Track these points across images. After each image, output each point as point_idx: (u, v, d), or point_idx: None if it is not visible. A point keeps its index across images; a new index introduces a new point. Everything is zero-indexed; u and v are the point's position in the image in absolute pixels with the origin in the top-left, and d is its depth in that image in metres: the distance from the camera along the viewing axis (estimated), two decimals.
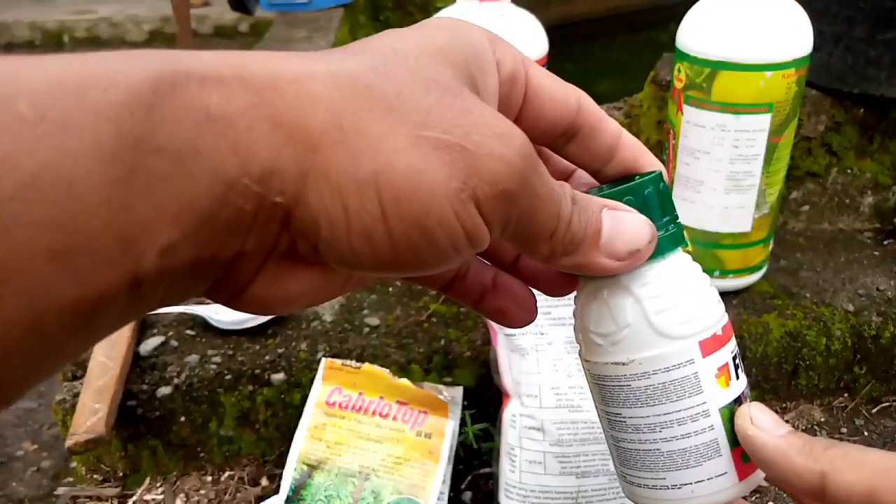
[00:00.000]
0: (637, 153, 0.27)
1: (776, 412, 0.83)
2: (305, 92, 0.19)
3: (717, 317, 0.25)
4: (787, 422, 0.80)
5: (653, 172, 0.25)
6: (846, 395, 0.82)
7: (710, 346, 0.24)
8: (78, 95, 0.15)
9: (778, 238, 0.90)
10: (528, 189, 0.21)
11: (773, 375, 0.79)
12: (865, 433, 0.79)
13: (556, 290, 0.28)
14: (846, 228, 0.95)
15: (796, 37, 0.68)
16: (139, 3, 3.20)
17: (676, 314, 0.24)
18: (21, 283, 0.14)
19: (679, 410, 0.24)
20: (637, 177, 0.26)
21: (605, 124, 0.26)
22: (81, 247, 0.15)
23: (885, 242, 0.92)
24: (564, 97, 0.25)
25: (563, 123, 0.25)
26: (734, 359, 0.25)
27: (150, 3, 3.17)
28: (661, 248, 0.25)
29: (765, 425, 0.25)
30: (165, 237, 0.16)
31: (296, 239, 0.20)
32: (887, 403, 0.82)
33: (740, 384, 0.26)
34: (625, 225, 0.24)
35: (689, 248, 0.24)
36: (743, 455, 0.25)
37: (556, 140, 0.26)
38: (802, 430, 0.78)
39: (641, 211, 0.24)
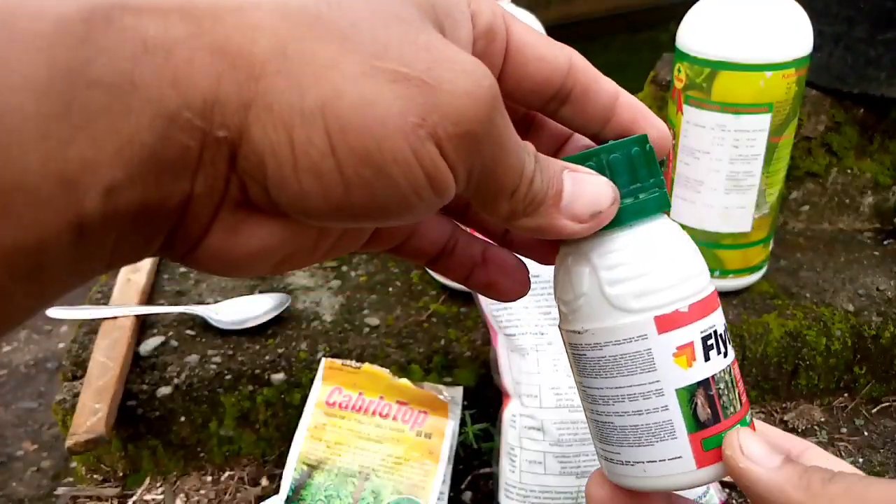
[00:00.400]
0: (635, 114, 0.25)
1: (776, 413, 0.83)
2: (248, 19, 0.17)
3: (685, 292, 0.23)
4: (786, 423, 0.80)
5: (632, 137, 0.24)
6: (846, 395, 0.82)
7: (668, 322, 0.23)
8: (4, 26, 0.14)
9: (778, 238, 0.90)
10: (494, 136, 0.19)
11: (773, 375, 0.79)
12: (865, 433, 0.79)
13: (546, 259, 0.27)
14: (846, 228, 0.95)
15: (796, 37, 0.68)
16: None
17: (632, 286, 0.23)
18: None
19: (631, 385, 0.23)
20: (611, 141, 0.24)
21: (601, 84, 0.25)
22: (18, 185, 0.14)
23: (885, 242, 0.92)
24: (553, 56, 0.23)
25: (552, 84, 0.24)
26: (707, 338, 0.23)
27: None
28: (624, 217, 0.24)
29: (757, 456, 0.23)
30: (108, 176, 0.15)
31: (246, 182, 0.18)
32: (887, 403, 0.82)
33: (712, 366, 0.23)
34: (586, 186, 0.23)
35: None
36: (704, 442, 0.23)
37: (548, 104, 0.24)
38: (803, 430, 0.78)
39: (604, 176, 0.23)
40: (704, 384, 0.23)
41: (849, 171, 0.94)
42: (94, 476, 0.73)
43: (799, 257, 0.88)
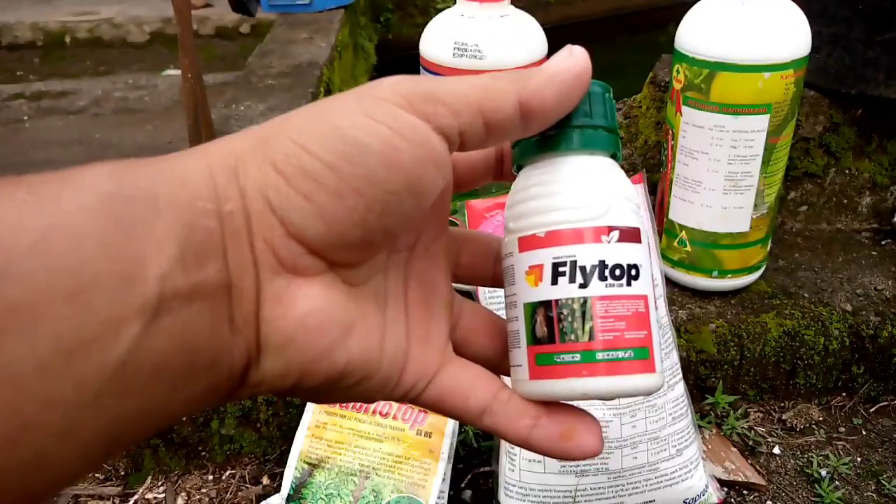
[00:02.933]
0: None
1: (774, 412, 0.83)
2: (224, 139, 0.23)
3: (547, 220, 0.25)
4: (784, 422, 0.80)
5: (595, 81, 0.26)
6: (844, 394, 0.83)
7: (526, 243, 0.26)
8: (61, 181, 0.19)
9: (776, 238, 0.90)
10: (420, 79, 0.23)
11: (771, 375, 0.80)
12: (864, 432, 0.79)
13: None
14: (844, 228, 0.96)
15: (794, 38, 0.68)
16: (141, 4, 3.21)
17: (514, 211, 0.27)
18: (48, 324, 0.17)
19: (508, 295, 0.27)
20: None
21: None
22: (91, 286, 0.18)
23: (883, 242, 0.92)
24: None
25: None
26: (558, 265, 0.25)
27: (152, 4, 3.18)
28: (533, 149, 0.26)
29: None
30: (157, 267, 0.19)
31: (267, 238, 0.21)
32: (885, 403, 0.82)
33: (558, 291, 0.25)
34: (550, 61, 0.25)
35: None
36: (537, 356, 0.25)
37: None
38: (801, 429, 0.78)
39: None
40: (546, 304, 0.25)
41: (847, 171, 0.94)
42: (96, 475, 0.74)
43: (797, 257, 0.89)
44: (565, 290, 0.25)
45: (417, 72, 0.75)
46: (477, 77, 0.23)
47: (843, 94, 0.88)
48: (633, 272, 0.25)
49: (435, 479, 0.63)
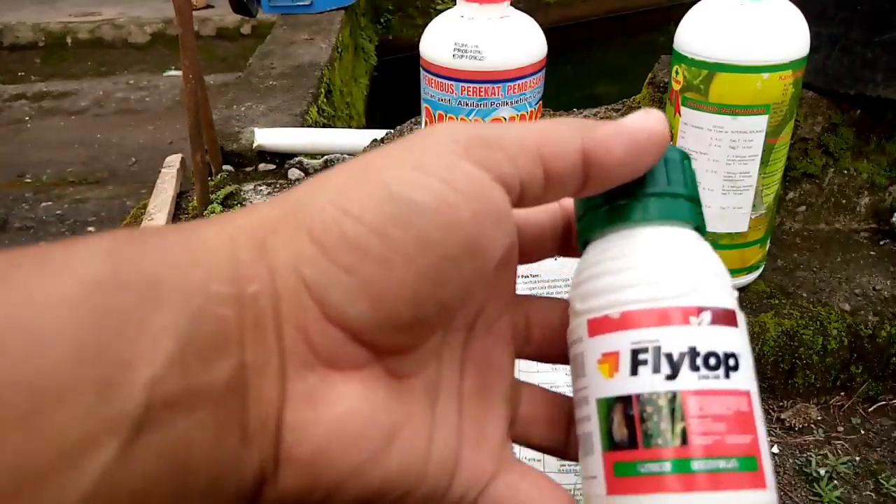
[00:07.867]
0: None
1: (773, 411, 0.83)
2: (250, 206, 0.19)
3: (623, 298, 0.21)
4: (783, 421, 0.80)
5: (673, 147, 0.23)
6: (843, 393, 0.83)
7: (599, 326, 0.21)
8: (40, 262, 0.15)
9: (775, 238, 0.91)
10: (477, 124, 0.20)
11: (770, 374, 0.80)
12: (862, 431, 0.79)
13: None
14: (843, 228, 0.96)
15: (793, 39, 0.69)
16: (142, 5, 3.22)
17: (581, 290, 0.22)
18: None
19: (577, 389, 0.22)
20: None
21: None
22: (54, 402, 0.14)
23: (882, 242, 0.93)
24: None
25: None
26: (639, 352, 0.20)
27: (153, 5, 3.19)
28: (603, 221, 0.22)
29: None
30: (147, 369, 0.15)
31: (305, 326, 0.18)
32: (884, 402, 0.83)
33: (640, 384, 0.20)
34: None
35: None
36: (616, 465, 0.20)
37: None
38: (800, 429, 0.79)
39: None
40: (625, 400, 0.20)
41: (845, 171, 0.95)
42: None
43: (796, 257, 0.89)
44: (648, 383, 0.20)
45: (417, 72, 0.75)
46: (536, 122, 0.20)
47: (841, 94, 0.88)
48: (732, 362, 0.20)
49: None
